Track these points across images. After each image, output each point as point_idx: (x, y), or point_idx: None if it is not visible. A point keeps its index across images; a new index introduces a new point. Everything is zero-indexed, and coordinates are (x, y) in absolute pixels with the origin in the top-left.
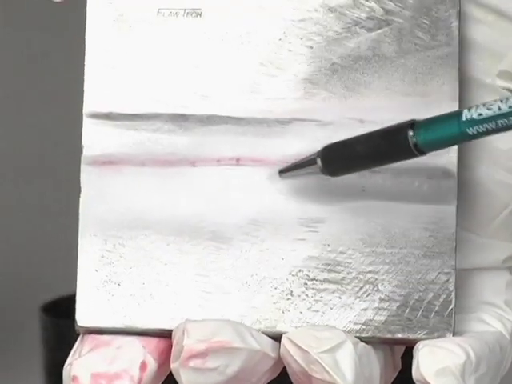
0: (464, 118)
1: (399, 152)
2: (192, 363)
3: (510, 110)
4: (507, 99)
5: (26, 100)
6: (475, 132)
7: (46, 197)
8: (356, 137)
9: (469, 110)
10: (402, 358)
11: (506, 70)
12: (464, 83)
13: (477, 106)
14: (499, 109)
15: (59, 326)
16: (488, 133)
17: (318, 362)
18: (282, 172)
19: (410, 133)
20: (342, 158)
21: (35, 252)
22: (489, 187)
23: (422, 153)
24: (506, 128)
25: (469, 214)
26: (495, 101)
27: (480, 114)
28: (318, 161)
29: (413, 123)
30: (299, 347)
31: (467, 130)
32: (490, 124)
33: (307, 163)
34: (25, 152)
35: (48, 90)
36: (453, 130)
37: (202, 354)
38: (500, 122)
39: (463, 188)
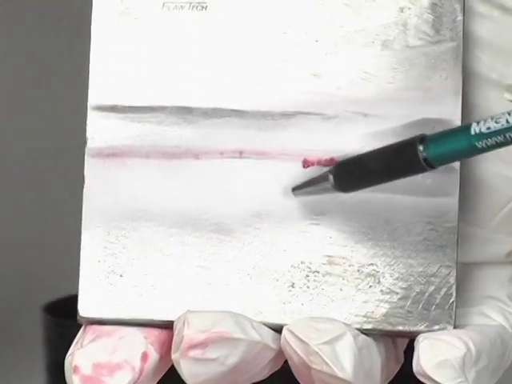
0: (473, 132)
1: (410, 167)
2: (192, 353)
3: None
4: None
5: (31, 91)
6: (484, 145)
7: (48, 196)
8: (367, 152)
9: (477, 123)
10: (405, 351)
11: None
12: (468, 78)
13: (485, 120)
14: (507, 122)
15: (62, 325)
16: (497, 146)
17: (318, 353)
18: (295, 189)
19: (420, 147)
20: (354, 175)
21: (37, 251)
22: (492, 181)
23: (432, 167)
24: None
25: (472, 208)
26: (503, 113)
27: (488, 128)
28: (330, 177)
29: (423, 137)
30: (299, 338)
31: (476, 143)
32: (499, 137)
33: (319, 179)
34: (29, 145)
35: (54, 81)
36: (462, 144)
37: (201, 345)
38: (508, 134)
39: (466, 182)
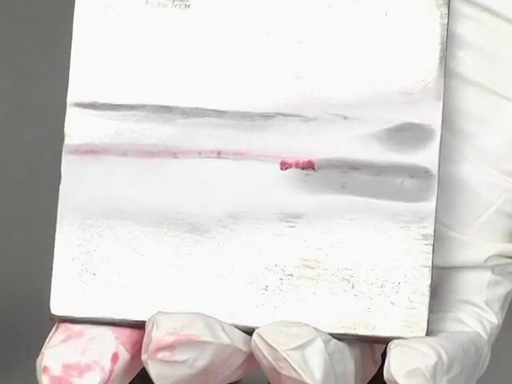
0: None
1: None
2: (160, 355)
3: None
4: None
5: (7, 88)
6: None
7: (25, 192)
8: None
9: None
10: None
11: None
12: (452, 81)
13: None
14: None
15: None
16: None
17: (286, 359)
18: None
19: None
20: None
21: (43, 251)
22: (473, 185)
23: None
24: None
25: (452, 212)
26: None
27: None
28: None
29: None
30: (268, 343)
31: None
32: None
33: None
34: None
35: (33, 78)
36: None
37: (170, 347)
38: None
39: (447, 185)
